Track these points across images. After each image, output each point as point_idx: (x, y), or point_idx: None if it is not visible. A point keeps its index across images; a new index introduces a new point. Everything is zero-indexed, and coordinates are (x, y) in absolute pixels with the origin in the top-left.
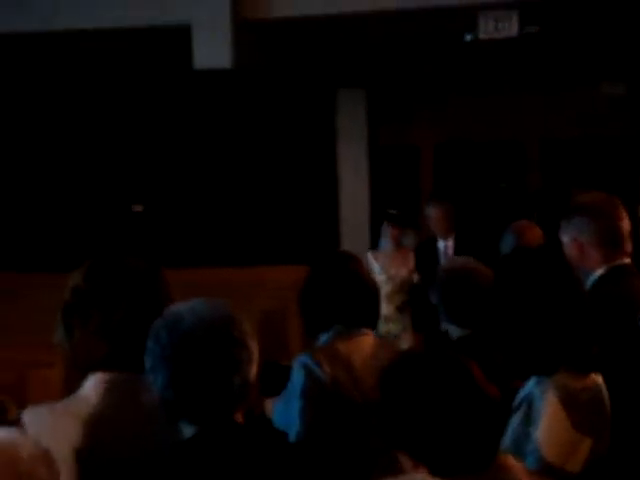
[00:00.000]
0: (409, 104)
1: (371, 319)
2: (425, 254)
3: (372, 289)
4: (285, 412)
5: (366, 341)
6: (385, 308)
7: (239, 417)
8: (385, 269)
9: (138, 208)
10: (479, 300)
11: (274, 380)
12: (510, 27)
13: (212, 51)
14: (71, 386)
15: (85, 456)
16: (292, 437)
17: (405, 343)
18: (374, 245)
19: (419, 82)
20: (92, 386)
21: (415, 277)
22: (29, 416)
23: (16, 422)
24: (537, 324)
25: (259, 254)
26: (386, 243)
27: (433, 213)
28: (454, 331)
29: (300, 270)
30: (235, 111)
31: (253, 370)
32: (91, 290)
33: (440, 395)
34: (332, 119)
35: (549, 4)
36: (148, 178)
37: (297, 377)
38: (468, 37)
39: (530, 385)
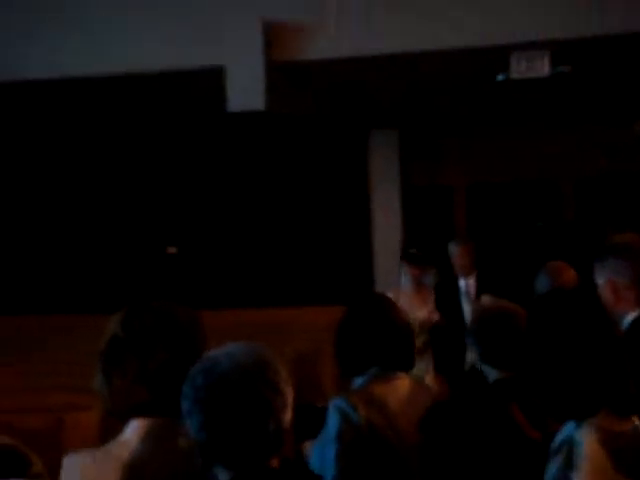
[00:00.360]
0: (442, 144)
1: (407, 361)
2: (446, 293)
3: (407, 331)
4: (321, 455)
5: (402, 384)
6: None
7: (275, 462)
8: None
9: (172, 250)
10: (517, 342)
11: (310, 422)
12: (542, 67)
13: (245, 93)
14: (108, 430)
15: None
16: None
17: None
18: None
19: (452, 122)
20: (132, 432)
21: (435, 316)
22: (70, 461)
23: (39, 476)
24: (575, 367)
25: (293, 295)
26: (406, 282)
27: (455, 251)
28: (490, 373)
29: (334, 311)
30: (268, 153)
31: (288, 415)
32: (128, 338)
33: (483, 441)
34: (365, 160)
35: (581, 44)
36: (182, 220)
37: (332, 421)
38: (500, 77)
39: (569, 428)
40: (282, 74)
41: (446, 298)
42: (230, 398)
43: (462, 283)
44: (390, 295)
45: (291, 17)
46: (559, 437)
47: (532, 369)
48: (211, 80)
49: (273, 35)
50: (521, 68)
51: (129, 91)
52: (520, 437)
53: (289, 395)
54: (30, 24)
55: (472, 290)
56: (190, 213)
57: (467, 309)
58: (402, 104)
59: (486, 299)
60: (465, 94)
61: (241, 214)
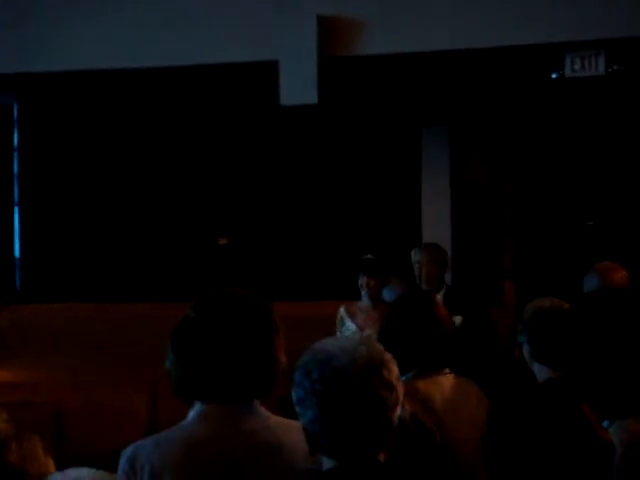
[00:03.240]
0: (493, 141)
1: (449, 360)
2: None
3: (449, 331)
4: None
5: (446, 381)
6: None
7: (382, 457)
8: (358, 328)
9: (223, 241)
10: (572, 341)
11: None
12: (597, 65)
13: (298, 87)
14: (159, 414)
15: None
16: None
17: None
18: (456, 285)
19: (504, 120)
20: (196, 415)
21: None
22: (135, 449)
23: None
24: (618, 368)
25: (342, 289)
26: (364, 295)
27: (420, 258)
28: (541, 371)
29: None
30: (320, 147)
31: (398, 412)
32: (200, 320)
33: (556, 442)
34: (417, 156)
35: (636, 43)
36: (233, 212)
37: None
38: (554, 75)
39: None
40: (335, 68)
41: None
42: (347, 394)
43: None
44: (341, 310)
45: (345, 12)
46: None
47: (587, 368)
48: (265, 74)
49: (327, 29)
50: (576, 66)
51: (184, 84)
52: (592, 438)
53: (401, 393)
54: (88, 14)
55: None
56: (241, 205)
57: None
58: (454, 101)
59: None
60: (518, 92)
61: (292, 207)
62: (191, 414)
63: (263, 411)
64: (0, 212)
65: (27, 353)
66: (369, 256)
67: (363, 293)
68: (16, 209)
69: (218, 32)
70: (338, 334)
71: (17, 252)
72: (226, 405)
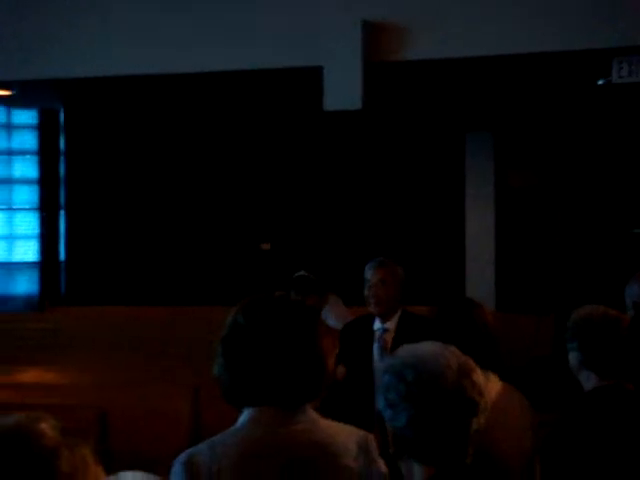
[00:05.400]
0: (538, 147)
1: (494, 365)
2: (354, 338)
3: (494, 337)
4: None
5: (491, 387)
6: None
7: (469, 459)
8: None
9: (266, 246)
10: (626, 349)
11: None
12: None
13: (343, 93)
14: (202, 417)
15: None
16: None
17: None
18: (500, 290)
19: (549, 125)
20: (247, 419)
21: (340, 371)
22: (191, 455)
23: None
24: None
25: None
26: None
27: (372, 276)
28: (590, 380)
29: (422, 311)
30: (364, 153)
31: (485, 417)
32: (249, 326)
33: (617, 448)
34: (461, 161)
35: None
36: (277, 217)
37: None
38: (600, 81)
39: None
40: (380, 74)
41: (354, 347)
42: (443, 397)
43: (377, 325)
44: None
45: (390, 17)
46: None
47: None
48: (309, 79)
49: (371, 35)
50: (623, 72)
51: (228, 89)
52: None
53: (488, 398)
54: (134, 20)
55: (389, 339)
56: (284, 210)
57: (379, 366)
58: (498, 107)
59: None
60: (564, 98)
61: (334, 212)
62: (242, 418)
63: (313, 414)
64: (46, 216)
65: (71, 355)
66: (302, 273)
67: None
68: (62, 213)
69: (263, 37)
70: None
71: (62, 255)
72: (277, 408)
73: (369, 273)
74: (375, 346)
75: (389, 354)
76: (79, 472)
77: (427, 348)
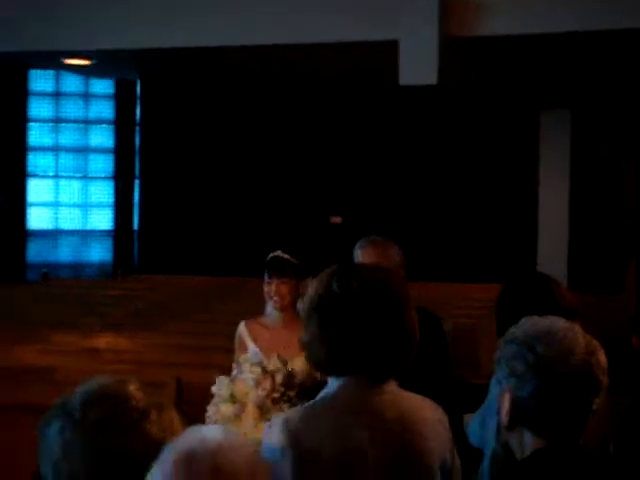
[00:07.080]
0: (615, 125)
1: None
2: None
3: (568, 309)
4: (481, 428)
5: None
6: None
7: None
8: (263, 353)
9: (336, 220)
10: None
11: (462, 397)
12: None
13: (418, 67)
14: None
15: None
16: (488, 455)
17: None
18: (572, 273)
19: (627, 104)
20: (338, 387)
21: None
22: (286, 421)
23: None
24: None
25: (454, 270)
26: (270, 308)
27: (361, 259)
28: None
29: (492, 288)
30: (438, 127)
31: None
32: (345, 295)
33: None
34: (535, 139)
35: None
36: (347, 190)
37: (495, 395)
38: None
39: None
40: (455, 49)
41: None
42: (571, 372)
43: None
44: (241, 328)
45: None
46: None
47: None
48: (385, 53)
49: (449, 9)
50: None
51: (303, 62)
52: None
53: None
54: None
55: None
56: (356, 184)
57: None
58: (574, 84)
59: None
60: None
61: (406, 186)
62: (331, 386)
63: (396, 386)
64: (121, 185)
65: (144, 322)
66: (279, 253)
67: (269, 304)
68: (136, 182)
69: (339, 11)
70: (238, 363)
71: (136, 224)
72: (367, 379)
73: (357, 254)
74: None
75: None
76: (167, 434)
77: (555, 322)
